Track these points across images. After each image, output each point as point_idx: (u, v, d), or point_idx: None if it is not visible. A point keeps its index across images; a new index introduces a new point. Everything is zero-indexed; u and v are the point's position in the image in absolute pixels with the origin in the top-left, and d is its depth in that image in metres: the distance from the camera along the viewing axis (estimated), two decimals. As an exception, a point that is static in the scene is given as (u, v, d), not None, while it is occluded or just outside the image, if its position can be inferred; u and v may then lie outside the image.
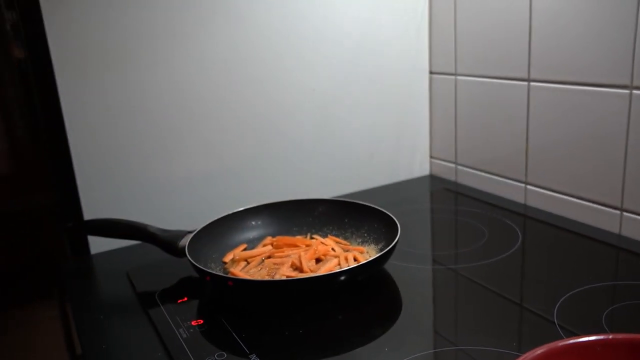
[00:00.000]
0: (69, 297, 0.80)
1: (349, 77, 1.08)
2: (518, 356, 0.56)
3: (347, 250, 0.81)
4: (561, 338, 0.59)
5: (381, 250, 0.79)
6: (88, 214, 0.90)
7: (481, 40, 1.02)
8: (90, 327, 0.69)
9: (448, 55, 1.10)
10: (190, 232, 0.81)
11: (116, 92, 0.88)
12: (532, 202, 0.99)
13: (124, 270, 0.84)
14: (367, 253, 0.81)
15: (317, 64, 1.04)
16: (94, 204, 0.90)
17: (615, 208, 0.85)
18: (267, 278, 0.74)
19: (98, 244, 0.92)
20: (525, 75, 0.94)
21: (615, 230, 0.85)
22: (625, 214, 0.84)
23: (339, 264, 0.76)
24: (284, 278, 0.73)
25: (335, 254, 0.79)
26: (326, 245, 0.82)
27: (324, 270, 0.74)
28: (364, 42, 1.07)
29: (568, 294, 0.68)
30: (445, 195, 1.10)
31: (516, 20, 0.93)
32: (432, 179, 1.20)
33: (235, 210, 0.87)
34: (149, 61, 0.90)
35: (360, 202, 0.87)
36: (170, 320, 0.68)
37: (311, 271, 0.75)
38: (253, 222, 0.88)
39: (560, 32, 0.87)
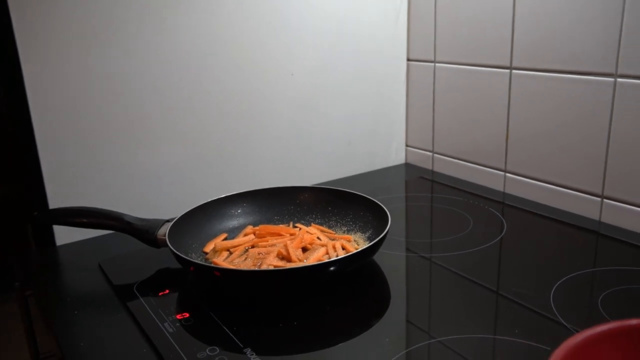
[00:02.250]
0: (36, 292, 0.75)
1: (328, 63, 1.05)
2: (522, 344, 0.55)
3: (334, 239, 0.79)
4: (564, 327, 0.59)
5: (369, 238, 0.77)
6: (53, 204, 0.84)
7: (462, 27, 1.01)
8: (65, 323, 0.64)
9: (427, 43, 1.09)
10: (168, 221, 0.76)
11: (84, 78, 0.82)
12: (511, 190, 0.99)
13: (95, 262, 0.78)
14: (354, 241, 0.78)
15: (296, 49, 1.00)
16: (61, 193, 0.84)
17: (596, 195, 0.86)
18: (253, 268, 0.71)
19: (64, 235, 0.86)
20: (507, 63, 0.94)
21: (596, 217, 0.86)
22: (606, 201, 0.85)
23: (327, 253, 0.74)
24: (271, 268, 0.70)
25: (322, 243, 0.77)
26: (311, 234, 0.79)
27: (313, 259, 0.72)
28: (343, 29, 1.05)
29: (559, 282, 0.68)
30: (421, 183, 1.09)
31: (499, 7, 0.93)
32: (408, 167, 1.19)
33: (214, 198, 0.83)
34: (119, 46, 0.84)
35: (346, 190, 0.85)
36: (153, 315, 0.64)
37: (299, 260, 0.72)
38: (233, 211, 0.85)
39: (544, 19, 0.87)
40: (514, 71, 0.93)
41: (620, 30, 0.78)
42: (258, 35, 0.96)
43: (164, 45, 0.88)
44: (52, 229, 0.85)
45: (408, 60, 1.14)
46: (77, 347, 0.59)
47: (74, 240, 0.86)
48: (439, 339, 0.58)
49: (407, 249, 0.80)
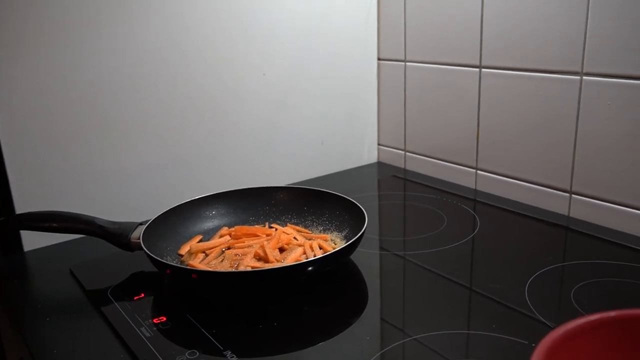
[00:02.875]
0: (2, 299, 0.72)
1: (300, 62, 1.05)
2: (500, 338, 0.56)
3: (310, 239, 0.78)
4: (538, 321, 0.60)
5: (346, 237, 0.78)
6: (20, 208, 0.81)
7: (432, 26, 1.02)
8: (36, 331, 0.62)
9: (397, 42, 1.10)
10: (142, 223, 0.75)
11: (53, 77, 0.80)
12: (483, 187, 1.01)
13: (66, 267, 0.76)
14: (331, 241, 0.79)
15: (269, 48, 1.00)
16: (29, 197, 0.81)
17: (565, 191, 0.88)
18: (230, 269, 0.70)
19: (32, 240, 0.83)
20: (476, 62, 0.96)
21: (565, 212, 0.89)
22: (574, 196, 0.87)
23: (305, 253, 0.74)
24: (249, 269, 0.69)
25: (299, 243, 0.76)
26: (288, 234, 0.79)
27: (290, 259, 0.71)
28: (316, 28, 1.04)
29: (533, 276, 0.69)
30: (394, 182, 1.10)
31: (468, 7, 0.94)
32: (380, 166, 1.20)
33: (188, 200, 0.82)
34: (89, 40, 0.82)
35: (321, 189, 0.85)
36: (129, 319, 0.62)
37: (277, 261, 0.72)
38: (208, 212, 0.84)
39: (511, 18, 0.89)
40: (483, 70, 0.95)
41: (585, 29, 0.80)
42: (230, 34, 0.95)
43: (135, 45, 0.86)
44: (19, 234, 0.83)
45: (379, 59, 1.15)
46: (50, 354, 0.58)
47: (42, 246, 0.84)
48: (414, 337, 0.59)
49: (381, 247, 0.81)
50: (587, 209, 0.86)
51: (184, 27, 0.90)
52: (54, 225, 0.74)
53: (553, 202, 0.90)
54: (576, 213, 0.87)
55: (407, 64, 1.09)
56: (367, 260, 0.76)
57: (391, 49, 1.12)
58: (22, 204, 0.81)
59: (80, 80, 0.83)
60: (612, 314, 0.35)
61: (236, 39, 0.96)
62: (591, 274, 0.70)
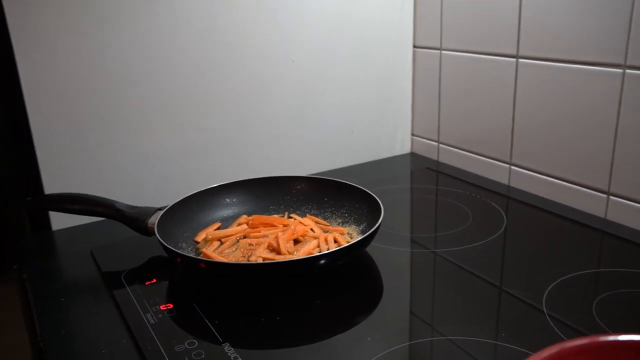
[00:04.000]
0: (29, 275, 0.75)
1: (331, 49, 1.02)
2: (508, 348, 0.53)
3: (327, 231, 0.77)
4: (551, 329, 0.57)
5: (363, 231, 0.76)
6: (49, 189, 0.84)
7: (469, 14, 0.97)
8: (50, 310, 0.64)
9: (433, 29, 1.05)
10: (160, 209, 0.76)
11: (78, 63, 0.82)
12: (516, 184, 0.96)
13: (88, 248, 0.78)
14: (348, 234, 0.77)
15: (298, 35, 0.98)
16: (56, 178, 0.84)
17: (602, 192, 0.83)
18: (241, 259, 0.70)
19: (60, 220, 0.86)
20: (513, 52, 0.91)
21: (601, 214, 0.83)
22: (612, 197, 0.82)
23: (319, 246, 0.73)
24: (259, 260, 0.69)
25: (315, 235, 0.75)
26: (305, 225, 0.78)
27: (302, 252, 0.70)
28: (347, 13, 1.02)
29: (556, 282, 0.66)
30: (426, 175, 1.07)
31: (507, -6, 0.89)
32: (413, 157, 1.17)
33: (208, 187, 0.82)
34: (113, 32, 0.83)
35: (341, 180, 0.83)
36: (137, 304, 0.63)
37: (289, 253, 0.71)
38: (227, 200, 0.84)
39: (552, 6, 0.83)
40: (520, 60, 0.90)
41: (630, 20, 0.74)
42: (257, 19, 0.94)
43: (158, 31, 0.86)
44: (48, 214, 0.86)
45: (414, 47, 1.11)
46: (58, 336, 0.59)
47: (69, 226, 0.86)
48: (425, 339, 0.57)
49: (412, 242, 0.79)
50: (625, 212, 0.80)
51: (209, 14, 0.89)
52: (76, 207, 0.76)
53: (588, 202, 0.85)
54: (613, 216, 0.82)
55: (443, 52, 1.05)
56: (390, 256, 0.74)
57: (427, 36, 1.07)
58: (51, 186, 0.84)
59: (103, 69, 0.84)
60: (601, 338, 0.32)
61: (263, 25, 0.95)
62: (621, 283, 0.65)
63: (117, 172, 0.88)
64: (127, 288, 0.67)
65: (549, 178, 0.90)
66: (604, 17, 0.77)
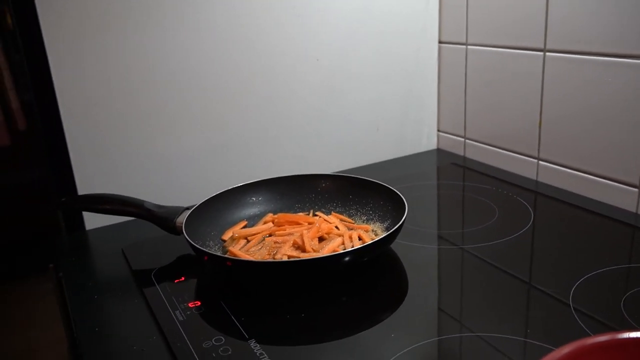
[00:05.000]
0: (64, 274, 0.78)
1: (354, 46, 1.03)
2: (532, 344, 0.53)
3: (352, 229, 0.78)
4: (578, 324, 0.56)
5: (387, 229, 0.76)
6: (82, 189, 0.86)
7: (495, 8, 0.96)
8: (83, 307, 0.66)
9: (459, 24, 1.05)
10: (187, 208, 0.77)
11: (108, 66, 0.84)
12: (544, 179, 0.95)
13: (120, 247, 0.80)
14: (372, 232, 0.77)
15: (321, 33, 0.99)
16: (88, 179, 0.86)
17: (633, 186, 0.81)
18: (267, 257, 0.71)
19: (93, 220, 0.88)
20: (541, 45, 0.89)
21: (632, 209, 0.82)
22: (643, 192, 0.80)
23: (343, 244, 0.73)
24: (285, 258, 0.70)
25: (339, 233, 0.76)
26: (330, 223, 0.78)
27: (327, 250, 0.71)
28: (370, 9, 1.02)
29: (584, 277, 0.65)
30: (453, 171, 1.06)
31: (533, -14, 0.88)
32: (440, 153, 1.16)
33: (234, 186, 0.83)
34: (142, 34, 0.85)
35: (366, 178, 0.84)
36: (166, 302, 0.65)
37: (314, 251, 0.71)
38: (253, 198, 0.85)
39: (580, -2, 0.82)
40: (547, 54, 0.89)
41: (661, 10, 0.72)
42: (280, 19, 0.95)
43: (183, 33, 0.88)
44: (81, 214, 0.88)
45: (440, 42, 1.10)
46: (91, 332, 0.61)
47: (101, 225, 0.89)
48: (452, 335, 0.57)
49: (439, 238, 0.78)
50: (657, 207, 0.78)
51: (231, 14, 0.90)
52: (107, 207, 0.78)
53: (619, 196, 0.83)
54: (645, 210, 0.80)
55: (469, 47, 1.04)
56: (417, 253, 0.74)
57: (453, 31, 1.07)
58: (84, 186, 0.86)
59: (131, 71, 0.86)
60: (624, 335, 0.31)
61: (287, 24, 0.95)
62: (651, 279, 0.64)
63: (145, 172, 0.90)
64: (157, 286, 0.69)
65: (577, 172, 0.89)
66: (633, 6, 0.75)
